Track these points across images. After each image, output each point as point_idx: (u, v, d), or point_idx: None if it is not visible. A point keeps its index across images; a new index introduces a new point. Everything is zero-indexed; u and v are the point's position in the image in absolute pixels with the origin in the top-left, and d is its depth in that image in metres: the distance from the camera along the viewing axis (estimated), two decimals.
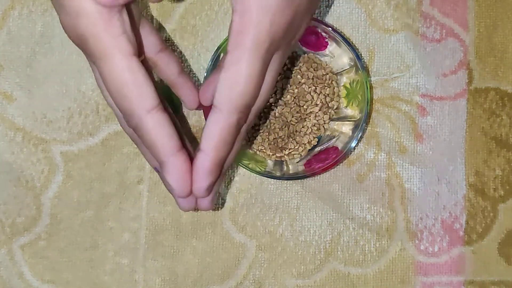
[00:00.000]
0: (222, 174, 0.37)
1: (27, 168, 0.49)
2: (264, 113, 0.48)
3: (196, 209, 0.38)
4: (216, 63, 0.46)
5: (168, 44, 0.49)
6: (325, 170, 0.46)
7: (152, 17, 0.50)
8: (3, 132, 0.49)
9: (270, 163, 0.48)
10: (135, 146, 0.49)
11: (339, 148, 0.47)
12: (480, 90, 0.50)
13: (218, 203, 0.49)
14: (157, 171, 0.38)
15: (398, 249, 0.49)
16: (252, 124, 0.37)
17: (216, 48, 0.46)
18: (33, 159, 0.49)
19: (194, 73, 0.50)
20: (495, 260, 0.50)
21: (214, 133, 0.34)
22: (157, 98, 0.34)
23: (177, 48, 0.49)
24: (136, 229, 0.49)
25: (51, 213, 0.49)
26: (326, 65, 0.48)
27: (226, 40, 0.45)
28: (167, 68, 0.40)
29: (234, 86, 0.33)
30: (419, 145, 0.50)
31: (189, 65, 0.49)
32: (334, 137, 0.48)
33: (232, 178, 0.49)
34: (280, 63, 0.36)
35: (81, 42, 0.34)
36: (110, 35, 0.33)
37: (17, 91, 0.49)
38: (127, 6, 0.34)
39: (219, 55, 0.46)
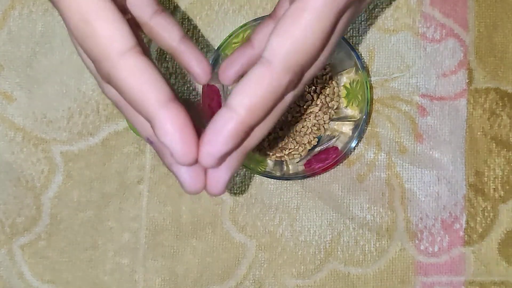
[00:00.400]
0: (244, 151, 0.29)
1: (27, 168, 0.49)
2: None
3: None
4: (216, 63, 0.46)
5: None
6: (325, 170, 0.46)
7: None
8: (3, 132, 0.49)
9: (270, 163, 0.48)
10: (135, 146, 0.49)
11: (339, 148, 0.47)
12: (480, 90, 0.50)
13: (218, 203, 0.49)
14: (150, 142, 0.31)
15: (398, 249, 0.49)
16: (300, 94, 0.30)
17: (216, 48, 0.46)
18: (33, 159, 0.49)
19: None
20: (495, 260, 0.49)
21: (254, 90, 0.27)
22: (133, 38, 0.27)
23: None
24: (136, 229, 0.49)
25: (51, 213, 0.49)
26: (326, 65, 0.48)
27: (226, 40, 0.45)
28: (166, 33, 0.32)
29: (297, 38, 0.27)
30: (419, 145, 0.50)
31: None
32: (334, 137, 0.48)
33: (232, 178, 0.49)
34: (347, 24, 0.30)
35: None
36: None
37: (17, 91, 0.49)
38: None
39: (219, 55, 0.46)
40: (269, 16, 0.35)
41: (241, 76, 0.35)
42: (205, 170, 0.29)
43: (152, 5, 0.32)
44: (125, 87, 0.27)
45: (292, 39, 0.27)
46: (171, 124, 0.27)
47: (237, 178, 0.49)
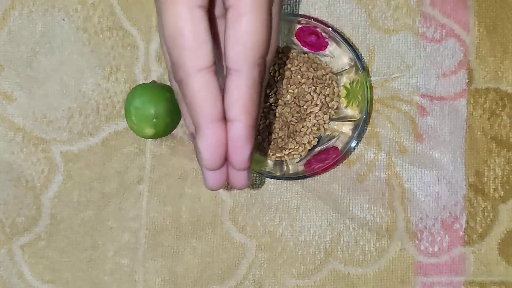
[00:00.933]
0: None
1: (27, 168, 0.49)
2: (264, 113, 0.48)
3: (228, 187, 0.34)
4: None
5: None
6: (325, 170, 0.46)
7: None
8: (3, 132, 0.49)
9: (270, 163, 0.48)
10: (135, 146, 0.49)
11: (339, 148, 0.47)
12: (480, 90, 0.50)
13: (218, 203, 0.49)
14: (193, 137, 0.35)
15: (398, 249, 0.49)
16: (267, 80, 0.35)
17: None
18: (33, 159, 0.49)
19: None
20: (495, 260, 0.49)
21: (239, 97, 0.32)
22: (213, 58, 0.31)
23: None
24: (136, 229, 0.49)
25: (51, 213, 0.49)
26: (326, 65, 0.48)
27: None
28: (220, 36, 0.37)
29: (246, 40, 0.31)
30: (419, 145, 0.50)
31: None
32: (334, 137, 0.48)
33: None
34: (280, 7, 0.34)
35: None
36: None
37: (17, 91, 0.49)
38: None
39: None
40: None
41: None
42: (225, 169, 0.34)
43: (220, 7, 0.36)
44: (191, 96, 0.31)
45: (243, 41, 0.31)
46: (212, 140, 0.32)
47: None
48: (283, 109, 0.48)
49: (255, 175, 0.49)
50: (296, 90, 0.48)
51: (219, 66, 0.34)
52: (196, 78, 0.31)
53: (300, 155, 0.48)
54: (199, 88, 0.31)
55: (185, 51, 0.31)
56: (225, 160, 0.33)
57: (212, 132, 0.32)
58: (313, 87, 0.48)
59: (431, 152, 0.50)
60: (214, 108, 0.32)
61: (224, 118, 0.32)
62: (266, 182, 0.49)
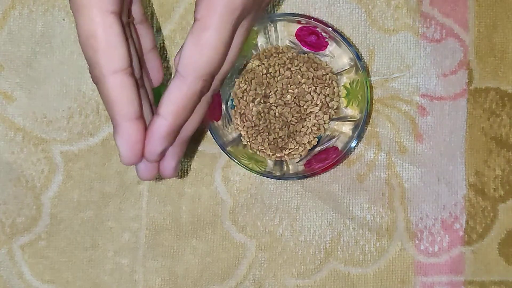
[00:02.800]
0: (182, 141, 0.37)
1: (27, 168, 0.49)
2: (264, 113, 0.48)
3: (158, 177, 0.37)
4: None
5: (168, 44, 0.49)
6: (325, 170, 0.46)
7: (152, 16, 0.50)
8: (3, 132, 0.49)
9: (270, 163, 0.48)
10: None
11: (339, 148, 0.47)
12: (480, 90, 0.50)
13: (218, 203, 0.49)
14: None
15: (398, 249, 0.49)
16: (216, 91, 0.37)
17: None
18: (33, 159, 0.49)
19: None
20: (495, 260, 0.49)
21: (174, 99, 0.34)
22: (128, 61, 0.33)
23: (177, 48, 0.49)
24: (136, 229, 0.49)
25: (51, 213, 0.49)
26: (326, 65, 0.48)
27: None
28: (142, 41, 0.39)
29: (200, 53, 0.33)
30: (419, 145, 0.50)
31: None
32: (334, 137, 0.48)
33: (232, 178, 0.49)
34: (248, 28, 0.35)
35: None
36: None
37: (17, 91, 0.49)
38: None
39: None
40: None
41: None
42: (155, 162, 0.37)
43: (139, 15, 0.39)
44: (106, 95, 0.33)
45: (197, 55, 0.33)
46: (127, 138, 0.34)
47: (237, 178, 0.49)
48: (283, 109, 0.48)
49: (255, 175, 0.49)
50: (296, 90, 0.48)
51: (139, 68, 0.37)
52: (110, 79, 0.33)
53: (300, 155, 0.48)
54: (114, 88, 0.33)
55: (98, 53, 0.32)
56: (142, 156, 0.35)
57: (127, 130, 0.34)
58: (313, 87, 0.48)
59: (431, 152, 0.50)
60: (129, 107, 0.33)
61: (141, 117, 0.34)
62: (266, 182, 0.49)
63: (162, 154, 0.36)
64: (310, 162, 0.48)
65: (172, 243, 0.49)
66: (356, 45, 0.50)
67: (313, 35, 0.47)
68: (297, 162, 0.48)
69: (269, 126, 0.48)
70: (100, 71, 0.33)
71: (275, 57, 0.48)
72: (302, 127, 0.48)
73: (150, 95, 0.38)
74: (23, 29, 0.49)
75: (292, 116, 0.48)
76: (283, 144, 0.48)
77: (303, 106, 0.48)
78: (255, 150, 0.48)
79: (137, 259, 0.49)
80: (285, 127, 0.48)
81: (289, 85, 0.48)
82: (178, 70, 0.34)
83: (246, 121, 0.48)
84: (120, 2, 0.33)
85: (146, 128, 0.35)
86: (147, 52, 0.40)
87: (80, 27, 0.32)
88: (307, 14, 0.49)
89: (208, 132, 0.49)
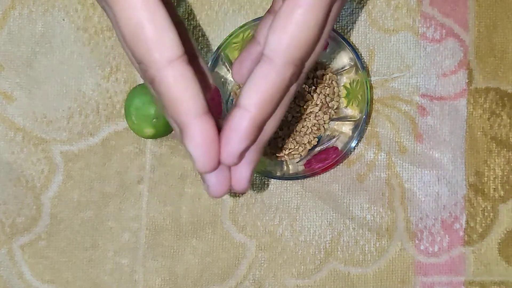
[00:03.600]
0: (261, 144, 0.31)
1: (27, 168, 0.49)
2: None
3: (231, 193, 0.31)
4: (216, 63, 0.46)
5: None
6: (325, 170, 0.46)
7: None
8: (3, 132, 0.49)
9: (270, 163, 0.48)
10: (135, 146, 0.49)
11: (339, 148, 0.47)
12: (480, 90, 0.50)
13: (218, 203, 0.49)
14: (181, 141, 0.31)
15: (398, 249, 0.49)
16: (301, 84, 0.32)
17: (216, 48, 0.46)
18: (33, 159, 0.49)
19: None
20: (495, 260, 0.49)
21: (261, 88, 0.29)
22: (181, 47, 0.28)
23: None
24: (136, 229, 0.49)
25: (51, 213, 0.49)
26: (326, 65, 0.48)
27: (226, 40, 0.45)
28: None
29: (294, 32, 0.28)
30: (419, 145, 0.50)
31: None
32: (334, 137, 0.48)
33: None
34: (338, 12, 0.31)
35: None
36: None
37: (17, 91, 0.49)
38: None
39: (219, 55, 0.46)
40: (268, 11, 0.36)
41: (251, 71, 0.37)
42: (229, 172, 0.31)
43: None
44: (166, 93, 0.28)
45: (289, 35, 0.28)
46: (200, 137, 0.28)
47: None
48: None
49: (255, 175, 0.49)
50: None
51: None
52: (168, 71, 0.28)
53: (300, 155, 0.48)
54: (174, 82, 0.28)
55: (149, 44, 0.28)
56: (219, 161, 0.30)
57: (199, 129, 0.28)
58: (313, 87, 0.48)
59: (431, 152, 0.50)
60: (195, 101, 0.28)
61: (209, 112, 0.29)
62: (266, 182, 0.49)
63: (242, 156, 0.30)
64: (310, 162, 0.48)
65: (172, 243, 0.49)
66: (356, 45, 0.50)
67: None
68: (297, 162, 0.48)
69: None
70: (154, 64, 0.28)
71: None
72: (302, 127, 0.48)
73: (211, 80, 0.34)
74: (23, 29, 0.49)
75: (292, 116, 0.48)
76: (283, 144, 0.48)
77: (303, 106, 0.48)
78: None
79: (137, 259, 0.49)
80: (285, 127, 0.48)
81: None
82: (265, 54, 0.29)
83: None
84: None
85: (216, 125, 0.29)
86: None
87: (123, 20, 0.28)
88: None
89: None
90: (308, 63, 0.30)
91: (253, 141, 0.30)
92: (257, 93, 0.29)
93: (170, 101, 0.28)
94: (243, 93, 0.29)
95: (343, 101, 0.49)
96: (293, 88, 0.31)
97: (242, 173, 0.31)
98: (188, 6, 0.50)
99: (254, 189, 0.49)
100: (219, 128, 0.30)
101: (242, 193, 0.36)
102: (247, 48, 0.35)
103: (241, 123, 0.29)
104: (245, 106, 0.29)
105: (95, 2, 0.49)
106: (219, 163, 0.29)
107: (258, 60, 0.34)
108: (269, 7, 0.37)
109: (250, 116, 0.29)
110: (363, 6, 0.50)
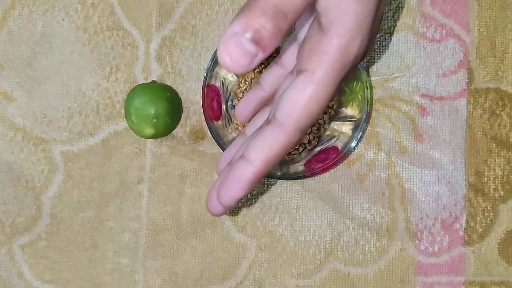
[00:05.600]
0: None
1: (27, 168, 0.49)
2: None
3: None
4: (216, 63, 0.46)
5: (168, 44, 0.49)
6: (325, 170, 0.46)
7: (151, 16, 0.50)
8: (3, 132, 0.49)
9: None
10: (135, 146, 0.49)
11: (339, 148, 0.47)
12: (480, 90, 0.50)
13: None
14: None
15: (398, 249, 0.49)
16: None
17: (216, 48, 0.46)
18: (33, 159, 0.49)
19: (194, 73, 0.50)
20: (495, 260, 0.49)
21: (268, 147, 0.32)
22: None
23: (177, 48, 0.49)
24: (136, 229, 0.49)
25: (51, 213, 0.49)
26: None
27: None
28: None
29: (306, 105, 0.31)
30: (419, 145, 0.50)
31: (189, 65, 0.49)
32: (334, 137, 0.48)
33: None
34: (347, 74, 0.34)
35: None
36: None
37: (17, 91, 0.49)
38: None
39: None
40: (275, 62, 0.41)
41: (254, 114, 0.42)
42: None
43: None
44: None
45: (302, 106, 0.31)
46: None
47: None
48: None
49: None
50: None
51: None
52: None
53: (300, 155, 0.48)
54: None
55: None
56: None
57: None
58: None
59: (431, 152, 0.50)
60: None
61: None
62: (266, 182, 0.49)
63: (239, 200, 0.33)
64: (310, 162, 0.48)
65: (172, 243, 0.49)
66: None
67: None
68: (297, 162, 0.48)
69: None
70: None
71: (274, 57, 0.48)
72: None
73: None
74: (23, 29, 0.49)
75: None
76: None
77: None
78: None
79: (137, 259, 0.49)
80: None
81: None
82: (276, 117, 0.32)
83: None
84: None
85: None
86: None
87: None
88: None
89: (208, 132, 0.49)
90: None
91: (252, 189, 0.35)
92: (264, 151, 0.32)
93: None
94: (251, 146, 0.32)
95: (343, 101, 0.49)
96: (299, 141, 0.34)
97: (222, 208, 0.35)
98: (188, 6, 0.50)
99: (254, 189, 0.49)
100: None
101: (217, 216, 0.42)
102: (252, 92, 0.39)
103: (245, 175, 0.32)
104: (250, 160, 0.32)
105: (95, 2, 0.50)
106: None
107: (260, 104, 0.40)
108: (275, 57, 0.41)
109: (254, 170, 0.32)
110: None
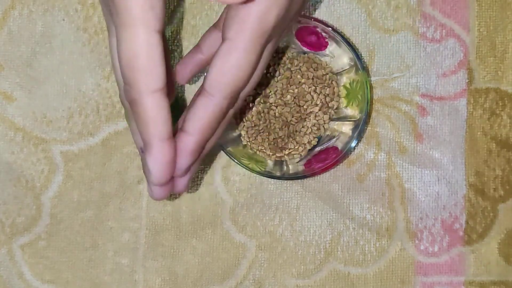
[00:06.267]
0: (201, 158, 0.38)
1: (27, 168, 0.49)
2: (264, 113, 0.48)
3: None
4: None
5: (168, 44, 0.49)
6: (325, 170, 0.46)
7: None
8: (3, 132, 0.49)
9: (270, 163, 0.48)
10: (135, 146, 0.49)
11: (339, 148, 0.47)
12: (480, 90, 0.50)
13: (218, 203, 0.49)
14: (142, 151, 0.37)
15: (398, 249, 0.49)
16: (239, 108, 0.38)
17: None
18: (33, 159, 0.49)
19: None
20: (495, 260, 0.50)
21: (201, 116, 0.34)
22: (165, 80, 0.33)
23: (177, 48, 0.49)
24: (136, 229, 0.49)
25: (51, 213, 0.49)
26: (326, 65, 0.48)
27: None
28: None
29: (229, 73, 0.33)
30: (419, 145, 0.50)
31: None
32: (334, 137, 0.48)
33: (232, 178, 0.49)
34: (272, 50, 0.36)
35: (109, 2, 0.33)
36: (140, 8, 0.32)
37: (17, 91, 0.49)
38: None
39: None
40: (214, 25, 0.42)
41: (193, 75, 0.44)
42: (172, 181, 0.37)
43: None
44: (142, 114, 0.33)
45: (224, 75, 0.34)
46: (160, 158, 0.34)
47: (237, 178, 0.49)
48: (283, 109, 0.48)
49: (255, 175, 0.49)
50: (296, 90, 0.48)
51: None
52: (149, 99, 0.33)
53: (300, 155, 0.48)
54: (151, 107, 0.33)
55: (140, 73, 0.32)
56: (172, 177, 0.35)
57: (162, 151, 0.34)
58: (313, 87, 0.48)
59: (431, 152, 0.50)
60: (163, 127, 0.33)
61: (173, 138, 0.34)
62: (266, 182, 0.49)
63: (188, 169, 0.36)
64: (310, 162, 0.48)
65: (172, 243, 0.49)
66: (356, 45, 0.50)
67: (313, 35, 0.47)
68: (297, 162, 0.48)
69: (269, 126, 0.48)
70: (138, 91, 0.33)
71: (274, 57, 0.48)
72: (302, 127, 0.48)
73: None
74: (23, 29, 0.49)
75: (292, 116, 0.48)
76: (283, 144, 0.48)
77: (303, 106, 0.48)
78: (255, 150, 0.48)
79: (137, 259, 0.49)
80: (285, 127, 0.48)
81: (289, 85, 0.48)
82: (204, 88, 0.34)
83: (246, 121, 0.48)
84: (164, 18, 0.33)
85: (175, 148, 0.35)
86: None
87: (124, 47, 0.32)
88: (307, 14, 0.49)
89: None
90: (243, 93, 0.36)
91: (197, 157, 0.36)
92: (198, 121, 0.35)
93: (144, 122, 0.33)
94: (187, 119, 0.35)
95: (343, 101, 0.49)
96: (231, 112, 0.36)
97: (182, 180, 0.37)
98: (188, 6, 0.50)
99: (254, 189, 0.49)
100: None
101: (179, 194, 0.44)
102: (191, 54, 0.40)
103: (186, 145, 0.35)
104: (189, 131, 0.35)
105: (95, 2, 0.49)
106: (170, 178, 0.35)
107: (198, 66, 0.43)
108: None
109: (194, 140, 0.35)
110: (363, 6, 0.50)
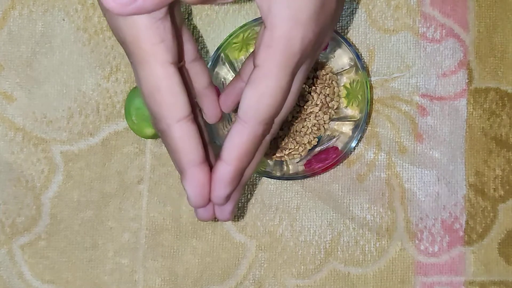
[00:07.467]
0: (242, 184, 0.37)
1: (27, 168, 0.49)
2: None
3: (215, 219, 0.37)
4: (216, 63, 0.46)
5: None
6: (325, 170, 0.46)
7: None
8: (3, 132, 0.49)
9: (270, 163, 0.48)
10: (135, 146, 0.49)
11: (339, 148, 0.47)
12: (480, 90, 0.50)
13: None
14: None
15: (398, 249, 0.49)
16: (276, 134, 0.38)
17: (216, 48, 0.46)
18: (33, 159, 0.49)
19: None
20: (495, 260, 0.50)
21: (237, 144, 0.34)
22: (189, 107, 0.34)
23: None
24: (136, 229, 0.49)
25: (51, 213, 0.49)
26: (326, 65, 0.48)
27: (226, 40, 0.45)
28: (197, 78, 0.40)
29: (262, 100, 0.33)
30: (419, 145, 0.50)
31: None
32: (334, 137, 0.48)
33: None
34: (305, 74, 0.36)
35: (122, 45, 0.34)
36: (149, 43, 0.32)
37: (17, 91, 0.49)
38: (170, 12, 0.33)
39: (219, 55, 0.46)
40: (251, 53, 0.41)
41: (236, 104, 0.43)
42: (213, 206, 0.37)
43: (193, 53, 0.38)
44: (172, 144, 0.34)
45: (257, 101, 0.33)
46: (195, 183, 0.34)
47: None
48: None
49: (255, 175, 0.49)
50: None
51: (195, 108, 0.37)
52: (175, 128, 0.33)
53: (300, 155, 0.48)
54: (179, 136, 0.33)
55: (163, 106, 0.33)
56: (209, 198, 0.36)
57: (195, 176, 0.34)
58: (313, 87, 0.48)
59: (431, 152, 0.50)
60: (194, 154, 0.34)
61: (205, 161, 0.35)
62: (266, 182, 0.49)
63: (228, 197, 0.36)
64: (310, 162, 0.48)
65: (172, 243, 0.49)
66: (356, 45, 0.50)
67: None
68: (297, 162, 0.48)
69: None
70: (165, 122, 0.33)
71: None
72: (302, 127, 0.48)
73: (206, 132, 0.38)
74: (23, 29, 0.49)
75: (292, 116, 0.48)
76: (283, 144, 0.48)
77: (303, 106, 0.48)
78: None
79: (137, 259, 0.49)
80: (285, 127, 0.48)
81: None
82: (238, 115, 0.34)
83: None
84: (177, 50, 0.33)
85: (210, 169, 0.35)
86: (203, 88, 0.40)
87: (144, 82, 0.33)
88: None
89: None
90: (279, 119, 0.36)
91: (236, 185, 0.36)
92: (235, 149, 0.34)
93: (175, 151, 0.34)
94: (224, 148, 0.35)
95: (343, 101, 0.49)
96: (267, 139, 0.36)
97: (226, 208, 0.37)
98: (188, 6, 0.50)
99: (254, 189, 0.49)
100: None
101: (225, 221, 0.43)
102: (232, 83, 0.41)
103: (224, 175, 0.35)
104: (226, 160, 0.35)
105: (95, 2, 0.50)
106: (208, 200, 0.35)
107: (241, 94, 0.41)
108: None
109: (231, 169, 0.35)
110: (363, 6, 0.50)
